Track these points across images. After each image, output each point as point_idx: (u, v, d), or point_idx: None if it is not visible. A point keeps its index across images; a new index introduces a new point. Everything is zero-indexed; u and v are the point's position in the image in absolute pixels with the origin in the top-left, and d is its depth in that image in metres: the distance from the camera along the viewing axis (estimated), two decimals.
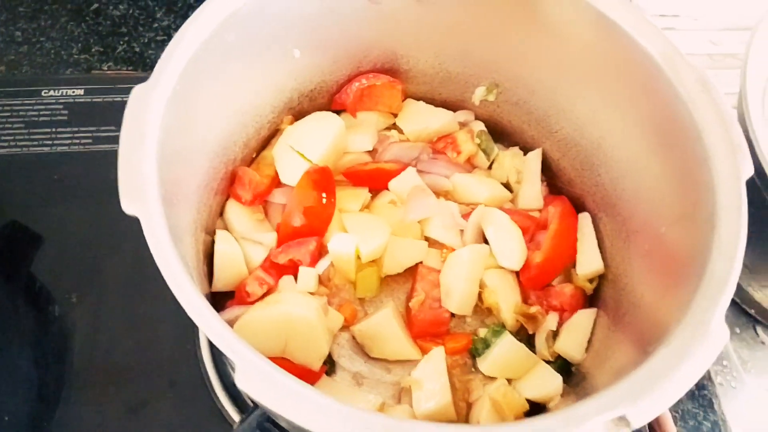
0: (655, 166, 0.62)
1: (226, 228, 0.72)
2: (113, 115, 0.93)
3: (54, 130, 0.92)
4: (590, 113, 0.70)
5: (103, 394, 0.74)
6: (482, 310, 0.73)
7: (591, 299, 0.73)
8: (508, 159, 0.79)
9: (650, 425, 0.60)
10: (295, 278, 0.70)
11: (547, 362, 0.69)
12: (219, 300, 0.70)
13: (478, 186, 0.77)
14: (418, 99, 0.82)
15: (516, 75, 0.75)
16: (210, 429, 0.73)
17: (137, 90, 0.52)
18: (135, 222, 0.46)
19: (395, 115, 0.82)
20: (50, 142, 0.91)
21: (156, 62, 0.54)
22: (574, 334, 0.69)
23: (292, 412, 0.39)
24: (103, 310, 0.78)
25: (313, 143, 0.73)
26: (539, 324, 0.70)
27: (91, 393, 0.74)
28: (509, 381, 0.68)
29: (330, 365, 0.69)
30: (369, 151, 0.79)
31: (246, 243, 0.70)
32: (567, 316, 0.70)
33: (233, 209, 0.72)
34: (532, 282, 0.72)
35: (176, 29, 0.57)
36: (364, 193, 0.76)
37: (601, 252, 0.72)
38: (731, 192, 0.52)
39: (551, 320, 0.70)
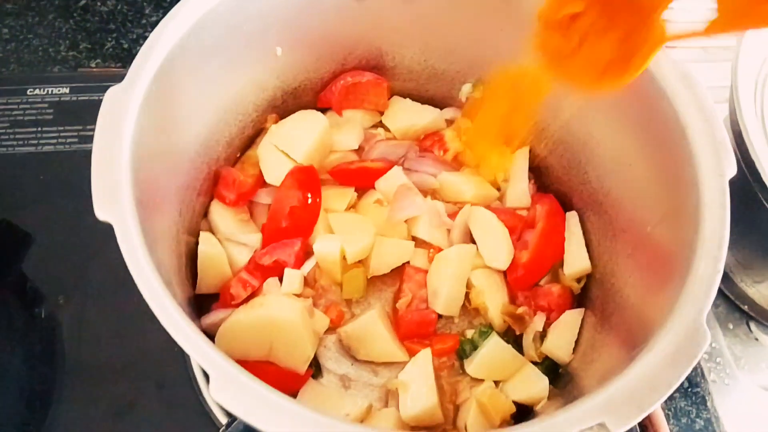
0: (641, 163, 0.62)
1: (210, 229, 0.71)
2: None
3: (39, 129, 0.91)
4: (577, 111, 0.70)
5: (90, 396, 0.73)
6: (469, 310, 0.73)
7: (578, 299, 0.73)
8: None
9: (643, 423, 0.59)
10: (280, 280, 0.69)
11: (535, 363, 0.68)
12: (204, 302, 0.69)
13: (465, 184, 0.76)
14: (404, 96, 0.82)
15: None
16: (197, 431, 0.72)
17: (112, 92, 0.51)
18: None
19: (381, 113, 0.81)
20: (35, 142, 0.90)
21: (134, 60, 0.54)
22: (562, 335, 0.68)
23: (268, 425, 0.38)
24: (89, 311, 0.78)
25: (297, 142, 0.72)
26: (526, 324, 0.69)
27: (78, 395, 0.73)
28: (497, 383, 0.67)
29: (316, 368, 0.69)
30: (355, 150, 0.78)
31: (230, 244, 0.70)
32: (554, 316, 0.70)
33: (217, 210, 0.71)
34: (520, 282, 0.71)
35: None
36: (350, 193, 0.76)
37: (588, 251, 0.71)
38: (715, 190, 0.52)
39: (538, 321, 0.69)
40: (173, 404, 0.73)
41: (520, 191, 0.77)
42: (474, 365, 0.68)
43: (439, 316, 0.72)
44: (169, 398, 0.74)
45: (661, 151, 0.58)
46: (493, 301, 0.70)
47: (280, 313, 0.62)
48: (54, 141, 0.90)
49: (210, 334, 0.65)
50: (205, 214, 0.72)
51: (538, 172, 0.79)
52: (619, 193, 0.66)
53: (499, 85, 0.69)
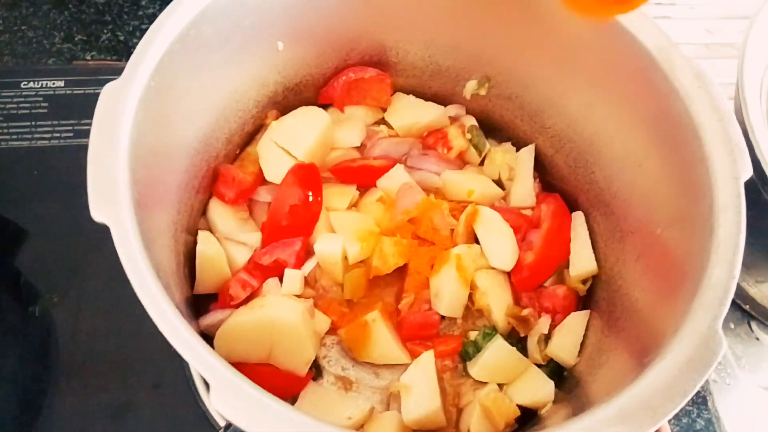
0: (651, 164, 0.61)
1: (209, 228, 0.70)
2: (94, 107, 0.89)
3: (34, 123, 0.89)
4: (584, 108, 0.68)
5: (85, 396, 0.72)
6: (473, 311, 0.72)
7: (584, 301, 0.72)
8: (500, 155, 0.77)
9: None
10: (280, 280, 0.68)
11: (539, 366, 0.67)
12: (203, 302, 0.68)
13: (469, 183, 0.75)
14: (407, 93, 0.80)
15: (508, 68, 0.73)
16: None
17: (108, 88, 0.49)
18: None
19: (384, 110, 0.79)
20: (30, 136, 0.88)
21: (132, 55, 0.52)
22: (567, 337, 0.67)
23: None
24: (84, 310, 0.77)
25: (298, 139, 0.71)
26: (531, 326, 0.68)
27: (73, 395, 0.72)
28: (500, 386, 0.66)
29: (316, 370, 0.67)
30: (357, 147, 0.77)
31: (229, 244, 0.68)
32: (559, 318, 0.69)
33: (216, 208, 0.70)
34: (524, 283, 0.70)
35: None
36: (351, 191, 0.74)
37: (594, 252, 0.70)
38: (730, 193, 0.51)
39: (543, 323, 0.68)
40: (170, 405, 0.72)
41: (525, 190, 0.76)
42: (477, 368, 0.66)
43: (442, 318, 0.70)
44: (166, 399, 0.72)
45: (672, 152, 0.57)
46: (497, 302, 0.69)
47: (280, 315, 0.61)
48: (48, 135, 0.89)
49: (208, 335, 0.64)
50: (204, 212, 0.71)
51: (543, 171, 0.78)
52: (628, 194, 0.64)
53: None
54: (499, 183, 0.78)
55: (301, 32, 0.69)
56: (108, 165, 0.46)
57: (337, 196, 0.73)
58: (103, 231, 0.74)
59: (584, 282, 0.71)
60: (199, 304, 0.68)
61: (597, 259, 0.70)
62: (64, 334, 0.75)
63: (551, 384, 0.64)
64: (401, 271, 0.71)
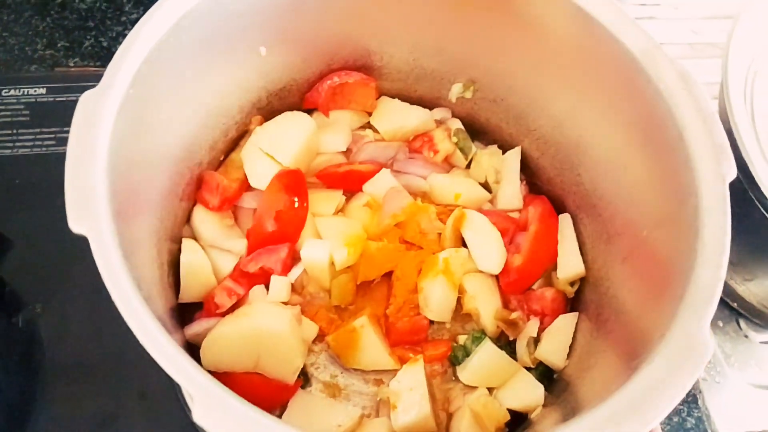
0: (636, 166, 0.61)
1: (193, 235, 0.69)
2: None
3: (15, 131, 0.88)
4: (569, 110, 0.68)
5: (70, 406, 0.71)
6: (461, 316, 0.71)
7: (572, 303, 0.72)
8: (487, 158, 0.77)
9: None
10: (267, 287, 0.67)
11: (528, 369, 0.67)
12: (188, 311, 0.67)
13: (455, 186, 0.75)
14: (392, 96, 0.80)
15: (493, 71, 0.73)
16: None
17: (86, 96, 0.49)
18: None
19: (369, 114, 0.79)
20: (11, 144, 0.87)
21: (110, 62, 0.51)
22: (556, 340, 0.67)
23: None
24: (68, 320, 0.75)
25: (283, 145, 0.70)
26: (520, 330, 0.68)
27: (57, 406, 0.71)
28: (490, 390, 0.66)
29: (304, 377, 0.67)
30: (343, 152, 0.76)
31: (214, 251, 0.68)
32: (548, 321, 0.69)
33: (200, 215, 0.69)
34: (513, 286, 0.70)
35: None
36: (338, 196, 0.74)
37: (582, 255, 0.70)
38: (715, 195, 0.51)
39: (532, 326, 0.68)
40: (157, 415, 0.71)
41: (511, 193, 0.76)
42: (467, 372, 0.66)
43: (431, 322, 0.70)
44: (153, 408, 0.71)
45: (657, 154, 0.57)
46: (486, 306, 0.69)
47: (267, 323, 0.60)
48: (30, 143, 0.87)
49: (194, 344, 0.63)
50: (188, 219, 0.70)
51: (530, 174, 0.78)
52: (614, 196, 0.64)
53: None
54: (485, 186, 0.77)
55: (284, 37, 0.68)
56: (86, 176, 0.45)
57: (324, 202, 0.73)
58: (87, 240, 0.74)
59: (572, 284, 0.71)
60: (184, 313, 0.67)
61: (584, 261, 0.70)
62: (49, 343, 0.74)
63: (541, 388, 0.64)
64: (389, 277, 0.71)
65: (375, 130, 0.78)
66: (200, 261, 0.66)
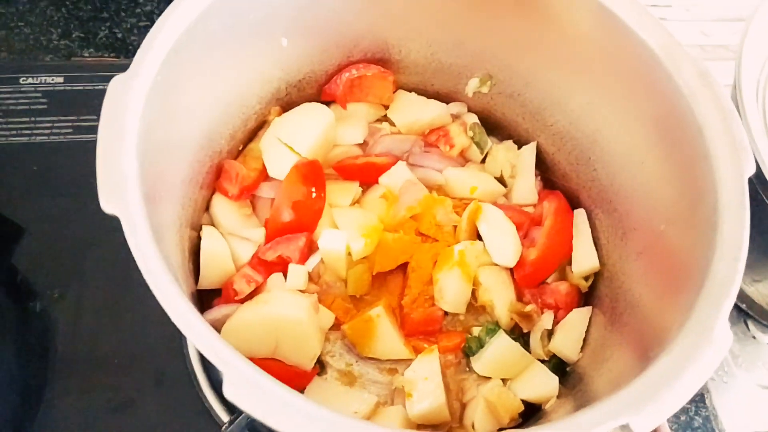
0: (654, 161, 0.61)
1: (212, 223, 0.70)
2: (94, 103, 0.90)
3: (33, 119, 0.89)
4: (586, 106, 0.69)
5: (87, 393, 0.72)
6: (476, 308, 0.72)
7: (586, 297, 0.72)
8: (502, 152, 0.77)
9: None
10: (284, 275, 0.68)
11: (542, 361, 0.67)
12: (206, 297, 0.68)
13: (471, 180, 0.75)
14: (409, 90, 0.80)
15: (510, 66, 0.74)
16: (198, 429, 0.71)
17: (116, 81, 0.49)
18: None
19: (386, 107, 0.79)
20: (29, 132, 0.88)
21: (138, 49, 0.52)
22: (569, 333, 0.67)
23: (285, 424, 0.37)
24: (85, 306, 0.76)
25: (301, 136, 0.71)
26: (534, 323, 0.69)
27: (73, 391, 0.72)
28: (504, 381, 0.66)
29: (320, 365, 0.67)
30: (359, 144, 0.77)
31: (233, 239, 0.68)
32: (562, 314, 0.69)
33: (219, 204, 0.70)
34: (527, 279, 0.70)
35: (160, 14, 0.55)
36: (354, 188, 0.74)
37: (596, 249, 0.71)
38: (733, 190, 0.51)
39: (546, 319, 0.69)
40: (172, 401, 0.72)
41: (526, 188, 0.76)
42: (481, 363, 0.67)
43: (445, 313, 0.71)
44: (168, 395, 0.72)
45: (675, 149, 0.57)
46: (500, 298, 0.69)
47: (286, 311, 0.61)
48: (48, 131, 0.88)
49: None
50: (207, 208, 0.71)
51: (545, 169, 0.78)
52: (630, 192, 0.65)
53: None
54: (501, 180, 0.78)
55: (305, 28, 0.69)
56: (117, 157, 0.46)
57: (340, 193, 0.73)
58: (104, 227, 0.74)
59: (586, 278, 0.71)
60: (202, 300, 0.67)
61: (599, 256, 0.70)
62: (65, 330, 0.75)
63: (555, 379, 0.65)
64: (404, 268, 0.72)
65: (392, 123, 0.79)
66: (220, 247, 0.66)
